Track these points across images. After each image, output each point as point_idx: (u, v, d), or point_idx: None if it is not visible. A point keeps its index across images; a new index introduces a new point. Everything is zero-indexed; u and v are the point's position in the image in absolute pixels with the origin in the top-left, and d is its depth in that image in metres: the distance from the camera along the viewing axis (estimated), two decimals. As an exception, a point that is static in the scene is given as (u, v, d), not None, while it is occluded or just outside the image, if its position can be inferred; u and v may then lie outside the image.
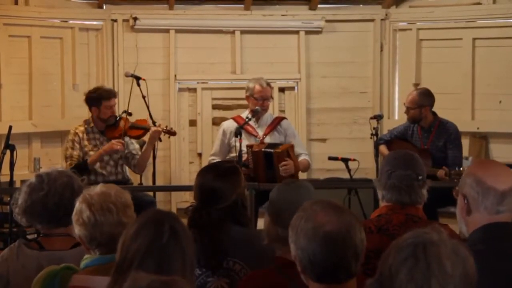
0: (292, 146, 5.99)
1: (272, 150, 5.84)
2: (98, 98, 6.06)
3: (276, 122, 6.25)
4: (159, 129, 6.13)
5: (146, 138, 6.30)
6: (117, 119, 6.13)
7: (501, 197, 2.49)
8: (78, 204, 2.57)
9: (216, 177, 3.15)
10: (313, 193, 2.82)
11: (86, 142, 6.06)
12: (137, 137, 6.32)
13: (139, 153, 6.23)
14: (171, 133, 6.24)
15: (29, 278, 2.61)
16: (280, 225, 2.70)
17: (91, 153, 6.01)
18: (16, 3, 6.82)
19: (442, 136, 6.17)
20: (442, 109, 6.36)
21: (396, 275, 1.74)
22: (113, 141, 5.98)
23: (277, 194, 2.84)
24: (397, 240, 1.80)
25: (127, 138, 6.15)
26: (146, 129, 6.20)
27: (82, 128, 6.09)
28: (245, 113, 6.21)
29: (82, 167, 5.76)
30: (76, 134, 6.05)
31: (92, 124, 6.12)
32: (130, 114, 6.19)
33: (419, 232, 1.80)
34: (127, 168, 6.28)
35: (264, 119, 6.21)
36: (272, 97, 6.27)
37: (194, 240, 2.95)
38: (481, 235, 2.48)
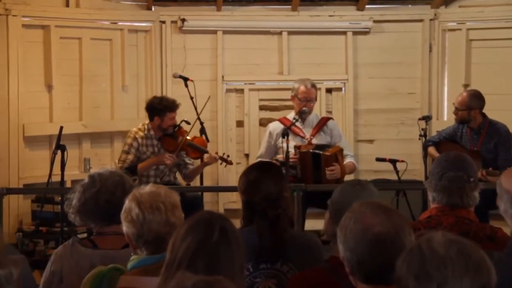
0: (341, 150, 5.93)
1: (320, 152, 5.80)
2: (163, 109, 6.10)
3: (323, 123, 6.20)
4: (217, 156, 6.22)
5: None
6: (175, 128, 6.18)
7: None
8: (127, 202, 2.60)
9: (272, 180, 3.21)
10: (376, 196, 2.78)
11: (144, 148, 6.13)
12: (194, 158, 6.37)
13: (191, 161, 6.34)
14: (227, 161, 6.28)
15: (82, 276, 2.63)
16: (337, 224, 2.70)
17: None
18: (67, 5, 6.93)
19: (493, 138, 6.06)
20: (492, 110, 6.26)
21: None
22: (166, 155, 6.04)
23: (339, 194, 2.83)
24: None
25: (182, 152, 6.22)
26: (204, 152, 6.24)
27: (141, 134, 6.14)
28: (291, 115, 6.19)
29: (131, 171, 5.80)
30: (135, 139, 6.12)
31: (152, 132, 6.17)
32: (188, 123, 6.24)
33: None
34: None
35: (309, 120, 6.17)
36: (316, 99, 6.22)
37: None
38: None
